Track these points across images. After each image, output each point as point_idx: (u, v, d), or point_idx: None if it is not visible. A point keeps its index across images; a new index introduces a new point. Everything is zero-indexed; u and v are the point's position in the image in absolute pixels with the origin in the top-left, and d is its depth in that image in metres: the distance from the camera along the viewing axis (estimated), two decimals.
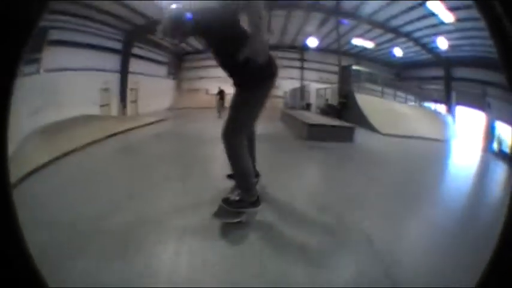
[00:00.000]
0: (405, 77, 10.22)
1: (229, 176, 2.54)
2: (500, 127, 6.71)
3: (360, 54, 10.68)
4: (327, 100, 10.52)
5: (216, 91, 10.74)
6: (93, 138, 4.47)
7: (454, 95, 8.58)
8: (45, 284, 0.90)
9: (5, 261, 0.80)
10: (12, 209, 0.79)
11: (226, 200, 1.92)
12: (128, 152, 4.38)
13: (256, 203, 1.93)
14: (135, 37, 8.36)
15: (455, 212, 2.54)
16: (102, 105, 7.50)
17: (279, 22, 10.13)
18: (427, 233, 2.06)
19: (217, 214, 1.91)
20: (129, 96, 8.53)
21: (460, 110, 8.45)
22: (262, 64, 1.85)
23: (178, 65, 12.20)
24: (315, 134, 5.32)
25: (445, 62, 8.71)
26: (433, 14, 7.82)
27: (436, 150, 6.55)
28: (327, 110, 9.76)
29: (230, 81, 2.01)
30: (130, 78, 8.41)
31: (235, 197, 1.91)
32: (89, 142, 4.25)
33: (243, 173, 1.91)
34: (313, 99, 11.59)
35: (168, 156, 3.96)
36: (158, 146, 4.83)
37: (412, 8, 8.05)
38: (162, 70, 10.63)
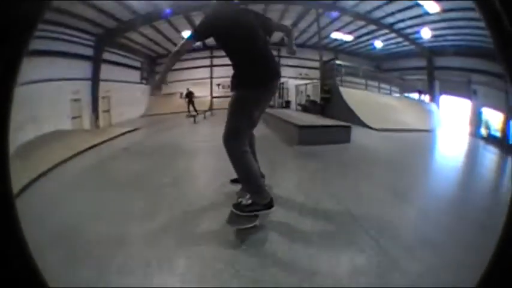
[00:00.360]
0: (386, 69, 10.40)
1: (233, 181, 2.55)
2: (487, 113, 7.09)
3: (339, 48, 10.76)
4: (308, 96, 10.43)
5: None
6: (60, 159, 4.35)
7: (437, 84, 8.88)
8: (45, 284, 0.96)
9: (5, 261, 0.86)
10: (13, 209, 0.86)
11: (237, 206, 1.91)
12: (95, 171, 4.12)
13: (269, 204, 1.92)
14: (105, 42, 8.25)
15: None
16: (74, 117, 7.37)
17: None
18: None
19: (230, 221, 1.90)
20: (102, 106, 8.40)
21: (445, 99, 8.78)
22: (262, 66, 1.96)
23: (151, 69, 12.08)
24: (306, 136, 4.92)
25: (428, 51, 8.98)
26: (417, 5, 7.99)
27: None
28: (309, 107, 9.68)
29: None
30: (102, 86, 8.28)
31: (246, 201, 1.91)
32: (54, 164, 4.12)
33: (248, 177, 1.91)
34: (292, 96, 11.45)
35: (139, 174, 3.66)
36: (129, 162, 4.53)
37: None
38: (135, 75, 10.51)
